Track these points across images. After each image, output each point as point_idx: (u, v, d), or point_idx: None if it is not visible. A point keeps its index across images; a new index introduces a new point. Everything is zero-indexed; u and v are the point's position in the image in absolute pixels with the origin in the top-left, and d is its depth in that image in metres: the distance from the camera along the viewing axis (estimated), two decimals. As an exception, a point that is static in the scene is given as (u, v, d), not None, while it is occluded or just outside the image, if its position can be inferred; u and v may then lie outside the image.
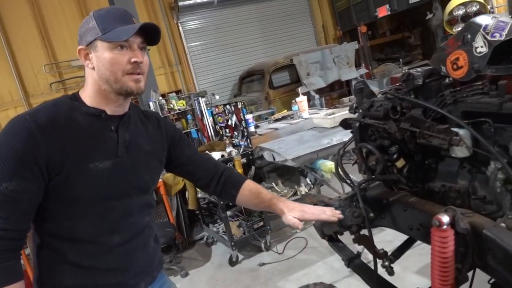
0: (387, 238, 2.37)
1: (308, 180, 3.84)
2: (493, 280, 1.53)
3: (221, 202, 3.30)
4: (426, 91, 1.37)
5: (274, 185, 3.45)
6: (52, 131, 1.02)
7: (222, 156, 3.39)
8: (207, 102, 4.43)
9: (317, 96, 6.27)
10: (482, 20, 1.19)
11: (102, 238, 1.12)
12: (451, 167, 1.41)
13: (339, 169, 1.76)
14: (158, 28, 1.11)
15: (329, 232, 1.75)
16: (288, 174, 3.93)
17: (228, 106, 3.54)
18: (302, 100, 3.99)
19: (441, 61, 1.34)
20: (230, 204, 3.74)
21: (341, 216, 1.22)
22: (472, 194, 1.35)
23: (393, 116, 1.44)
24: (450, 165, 1.42)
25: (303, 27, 9.20)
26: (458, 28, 4.86)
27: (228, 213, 3.49)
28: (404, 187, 1.47)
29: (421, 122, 1.32)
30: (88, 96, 1.12)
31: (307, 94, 5.73)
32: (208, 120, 4.00)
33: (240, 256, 3.49)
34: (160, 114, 1.65)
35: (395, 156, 1.47)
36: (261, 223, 3.50)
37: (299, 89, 6.09)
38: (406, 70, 1.49)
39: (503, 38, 1.13)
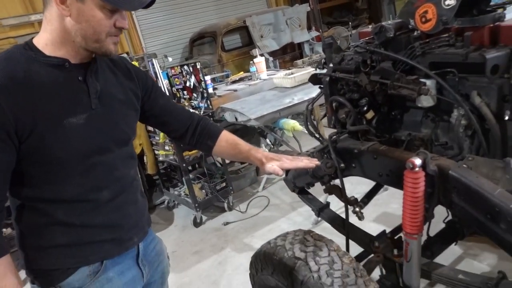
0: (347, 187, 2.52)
1: (268, 140, 3.90)
2: (447, 219, 1.70)
3: (184, 165, 3.28)
4: (395, 44, 1.43)
5: (235, 147, 3.48)
6: (14, 90, 0.93)
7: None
8: (160, 65, 4.27)
9: (271, 59, 6.26)
10: (451, -27, 1.24)
11: (89, 196, 1.07)
12: (416, 117, 1.52)
13: (308, 124, 1.81)
14: (154, 1, 1.02)
15: (301, 184, 1.83)
16: (247, 135, 3.96)
17: (185, 67, 3.44)
18: (260, 61, 3.98)
19: (410, 15, 1.39)
20: (190, 167, 3.73)
21: (318, 162, 1.26)
22: (435, 141, 1.46)
23: (363, 69, 1.49)
24: (414, 115, 1.52)
25: (254, -12, 9.00)
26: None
27: (190, 175, 3.48)
28: (372, 138, 1.55)
29: (391, 74, 1.39)
30: (47, 44, 1.00)
31: (261, 56, 5.70)
32: (164, 82, 3.87)
33: (204, 218, 3.54)
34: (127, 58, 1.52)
35: (365, 108, 1.54)
36: (224, 184, 3.54)
37: (255, 50, 6.05)
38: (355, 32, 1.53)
39: (468, -10, 1.20)
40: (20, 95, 0.94)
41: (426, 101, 1.37)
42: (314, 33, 7.05)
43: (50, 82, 0.99)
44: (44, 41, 1.01)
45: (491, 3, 1.36)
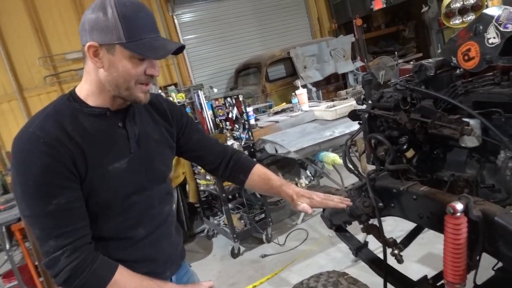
0: (387, 228, 2.42)
1: (308, 172, 3.87)
2: (497, 266, 1.57)
3: (223, 195, 3.32)
4: (436, 82, 1.39)
5: (275, 178, 3.48)
6: (67, 141, 0.99)
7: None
8: (206, 95, 4.43)
9: (314, 89, 6.29)
10: (494, 11, 1.21)
11: (126, 234, 1.12)
12: (460, 157, 1.45)
13: (347, 160, 1.79)
14: (183, 47, 1.06)
15: (338, 222, 1.78)
16: (288, 166, 3.95)
17: (228, 99, 3.54)
18: (302, 92, 4.01)
19: (452, 52, 1.36)
20: (230, 197, 3.76)
21: (350, 203, 1.24)
22: (481, 183, 1.38)
23: (403, 107, 1.46)
24: (458, 154, 1.45)
25: (299, 20, 9.19)
26: (456, 21, 4.89)
27: (229, 205, 3.51)
28: (412, 177, 1.50)
29: (432, 112, 1.35)
30: (89, 95, 1.07)
31: (304, 87, 5.75)
32: (208, 113, 3.99)
33: (242, 248, 3.52)
34: (163, 96, 1.56)
35: (404, 146, 1.49)
36: (262, 215, 3.53)
37: (297, 81, 6.11)
38: (402, 61, 1.51)
39: (515, 29, 1.15)
40: (72, 145, 1.00)
41: (470, 142, 1.31)
42: (359, 63, 7.02)
43: (94, 131, 1.05)
44: (86, 92, 1.07)
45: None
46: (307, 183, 3.49)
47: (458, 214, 1.09)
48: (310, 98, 5.06)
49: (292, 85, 6.46)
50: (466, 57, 1.29)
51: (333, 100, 4.25)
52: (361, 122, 1.67)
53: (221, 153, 1.39)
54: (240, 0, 8.43)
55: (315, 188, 1.91)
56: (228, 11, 8.35)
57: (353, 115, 1.71)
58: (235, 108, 3.47)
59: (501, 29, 1.16)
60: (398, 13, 8.98)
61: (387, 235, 1.54)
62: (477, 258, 1.18)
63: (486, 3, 5.29)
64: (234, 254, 3.43)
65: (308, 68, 6.55)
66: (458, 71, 1.34)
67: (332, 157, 2.98)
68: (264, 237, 3.52)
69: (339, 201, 1.22)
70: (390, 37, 9.20)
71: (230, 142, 3.38)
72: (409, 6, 7.88)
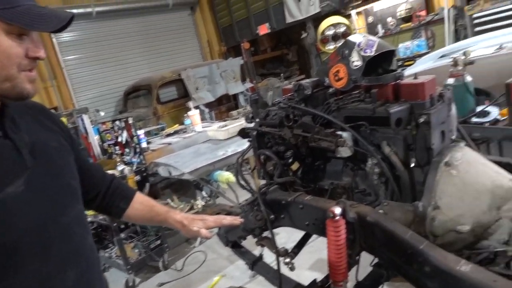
0: (281, 240, 2.53)
1: (203, 193, 3.86)
2: (374, 262, 1.76)
3: (114, 224, 3.11)
4: (314, 100, 1.54)
5: (170, 201, 3.39)
6: None
7: (113, 175, 3.19)
8: (92, 119, 4.16)
9: (207, 110, 6.37)
10: (356, 38, 1.39)
11: (51, 282, 0.84)
12: (337, 167, 1.61)
13: (239, 177, 1.84)
14: (73, 18, 0.81)
15: (234, 238, 1.82)
16: (183, 189, 3.89)
17: (117, 122, 3.38)
18: (194, 113, 4.02)
19: (325, 73, 1.52)
20: (123, 226, 3.54)
21: (241, 219, 1.28)
22: (355, 189, 1.55)
23: (287, 124, 1.57)
24: (336, 164, 1.61)
25: (188, 42, 9.28)
26: (329, 46, 5.49)
27: (122, 235, 3.30)
28: (299, 188, 1.61)
29: (311, 127, 1.48)
30: None
31: (196, 108, 5.78)
32: (94, 138, 3.75)
33: (137, 280, 3.32)
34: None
35: (290, 160, 1.61)
36: (158, 242, 3.39)
37: (189, 103, 6.11)
38: (288, 83, 1.65)
39: (373, 53, 1.34)
40: None
41: (344, 152, 1.46)
42: (248, 84, 7.34)
43: None
44: None
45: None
46: (203, 203, 3.48)
47: (337, 217, 1.20)
48: (203, 119, 5.10)
49: (184, 107, 6.45)
50: (336, 78, 1.46)
51: (225, 120, 4.35)
52: (250, 139, 1.75)
53: (101, 179, 1.18)
54: (126, 21, 8.19)
55: (211, 207, 1.92)
56: (112, 32, 8.02)
57: (243, 133, 1.79)
58: (125, 132, 3.32)
59: (362, 53, 1.34)
60: (281, 38, 9.70)
61: (281, 246, 1.62)
62: (357, 256, 1.32)
63: (354, 31, 6.04)
64: (129, 287, 3.22)
65: (200, 90, 6.63)
66: (330, 90, 1.50)
67: (226, 176, 3.04)
68: (160, 264, 3.38)
69: (232, 219, 1.23)
70: (276, 60, 9.86)
71: (120, 167, 3.21)
72: (290, 32, 8.57)
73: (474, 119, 2.71)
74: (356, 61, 1.36)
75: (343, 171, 1.59)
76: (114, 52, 8.04)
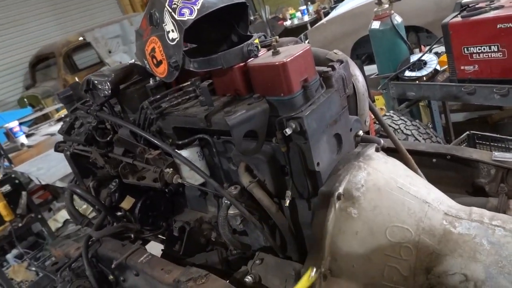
0: None
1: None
2: None
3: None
4: (130, 101, 0.93)
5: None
6: None
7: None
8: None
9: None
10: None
11: None
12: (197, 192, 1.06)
13: (72, 212, 1.25)
14: None
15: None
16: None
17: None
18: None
19: (143, 54, 0.91)
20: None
21: None
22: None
23: (101, 139, 0.97)
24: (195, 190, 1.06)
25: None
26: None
27: (8, 255, 2.67)
28: (144, 230, 1.06)
29: (133, 146, 0.90)
30: None
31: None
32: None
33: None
34: None
35: (116, 194, 1.03)
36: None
37: (104, 69, 5.27)
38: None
39: (194, 16, 0.74)
40: None
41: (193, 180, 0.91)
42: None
43: None
44: None
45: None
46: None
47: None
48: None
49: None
50: (154, 61, 0.85)
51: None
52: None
53: None
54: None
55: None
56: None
57: (58, 150, 1.18)
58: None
59: (177, 17, 0.74)
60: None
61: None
62: None
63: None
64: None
65: (114, 52, 5.73)
66: (151, 82, 0.90)
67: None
68: None
69: None
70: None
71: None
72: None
73: (408, 73, 2.22)
74: (171, 31, 0.76)
75: (206, 199, 1.05)
76: (13, 15, 6.80)
